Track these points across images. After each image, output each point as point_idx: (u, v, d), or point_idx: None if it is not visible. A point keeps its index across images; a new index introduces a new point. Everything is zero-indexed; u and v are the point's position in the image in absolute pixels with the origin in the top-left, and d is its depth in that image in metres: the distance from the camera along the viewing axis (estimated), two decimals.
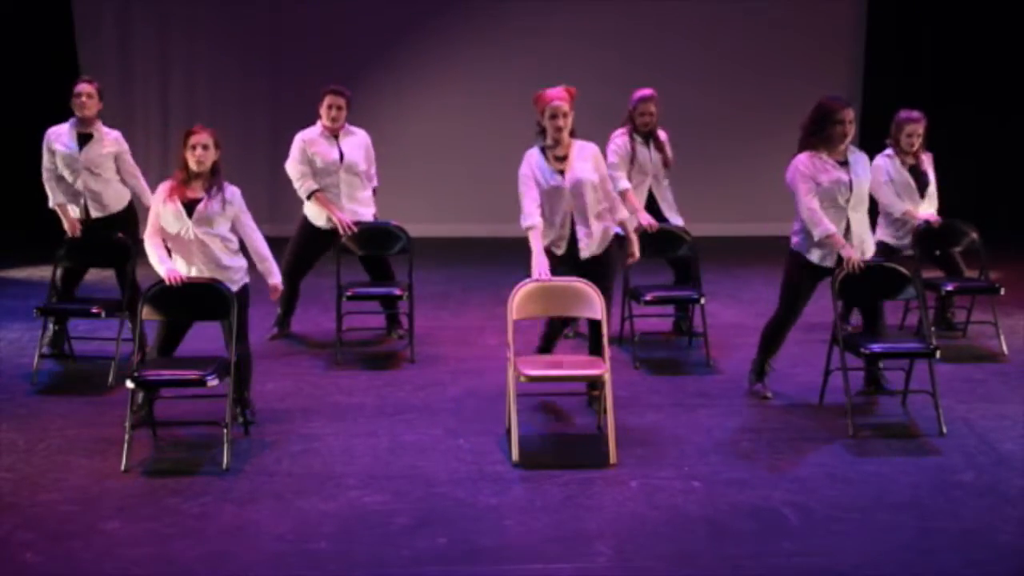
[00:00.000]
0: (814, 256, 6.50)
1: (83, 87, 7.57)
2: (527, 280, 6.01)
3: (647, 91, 7.93)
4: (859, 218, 6.47)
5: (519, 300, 5.95)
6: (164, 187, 6.16)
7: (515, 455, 5.73)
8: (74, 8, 12.02)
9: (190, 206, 6.08)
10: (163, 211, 6.10)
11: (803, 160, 6.44)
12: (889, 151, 7.78)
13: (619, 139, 7.86)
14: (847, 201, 6.40)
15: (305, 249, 7.97)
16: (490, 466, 5.73)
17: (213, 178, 6.13)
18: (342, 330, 7.67)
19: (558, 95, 6.31)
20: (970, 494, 5.42)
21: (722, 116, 12.45)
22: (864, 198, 6.49)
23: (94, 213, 7.65)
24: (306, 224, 7.97)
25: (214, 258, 6.13)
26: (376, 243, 7.85)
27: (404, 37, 12.39)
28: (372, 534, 4.96)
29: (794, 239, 6.61)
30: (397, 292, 7.71)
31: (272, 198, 11.63)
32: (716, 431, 6.25)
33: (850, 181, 6.38)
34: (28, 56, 11.70)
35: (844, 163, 6.43)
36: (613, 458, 5.73)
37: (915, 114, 7.77)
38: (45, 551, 4.80)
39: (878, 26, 12.40)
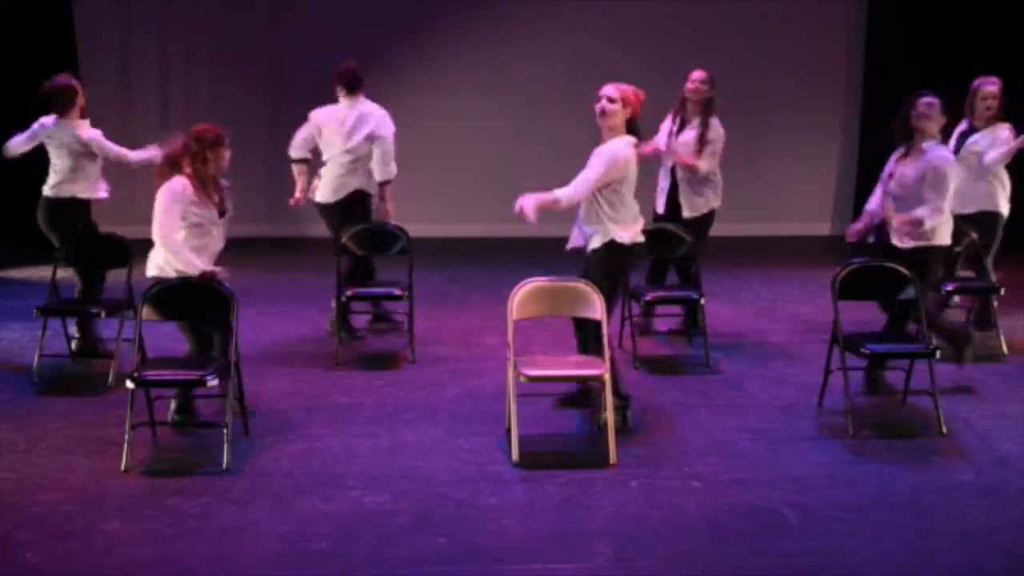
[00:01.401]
0: None
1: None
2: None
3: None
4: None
5: (519, 300, 5.95)
6: (185, 185, 6.10)
7: (515, 455, 5.73)
8: (74, 8, 12.02)
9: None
10: (193, 209, 6.12)
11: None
12: (964, 124, 7.90)
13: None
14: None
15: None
16: (490, 466, 5.73)
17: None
18: (342, 330, 7.66)
19: (607, 86, 6.25)
20: (970, 494, 5.42)
21: (721, 116, 12.43)
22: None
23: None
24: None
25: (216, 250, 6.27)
26: (376, 243, 7.85)
27: (404, 38, 12.39)
28: (372, 534, 4.96)
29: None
30: (397, 292, 7.70)
31: (271, 199, 11.62)
32: (716, 431, 6.25)
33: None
34: (28, 56, 11.69)
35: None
36: (613, 458, 5.73)
37: (991, 79, 7.89)
38: (45, 551, 4.80)
39: (878, 26, 12.40)
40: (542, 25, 12.45)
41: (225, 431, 5.75)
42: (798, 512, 5.18)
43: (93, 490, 5.42)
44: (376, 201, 8.01)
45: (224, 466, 5.65)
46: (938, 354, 6.22)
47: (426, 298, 8.95)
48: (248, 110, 12.29)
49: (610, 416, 5.78)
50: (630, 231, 6.16)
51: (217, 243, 6.26)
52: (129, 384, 5.72)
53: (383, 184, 7.92)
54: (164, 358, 6.23)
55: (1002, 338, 7.78)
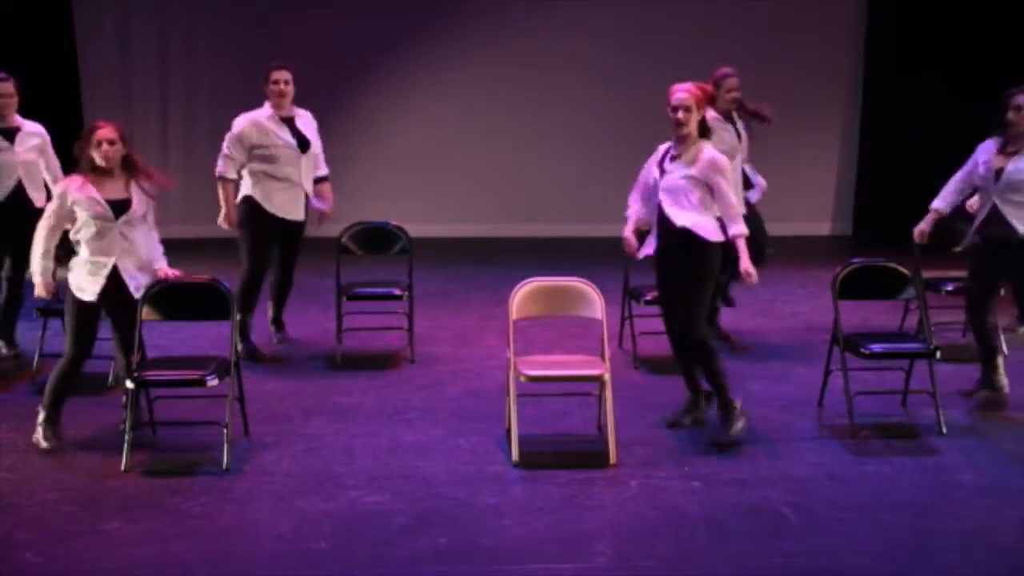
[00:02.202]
0: None
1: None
2: None
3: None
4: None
5: (519, 300, 5.95)
6: (74, 182, 5.83)
7: (515, 455, 5.73)
8: (74, 8, 12.02)
9: (115, 205, 5.82)
10: (79, 202, 5.80)
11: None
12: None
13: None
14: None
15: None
16: (490, 466, 5.73)
17: (131, 174, 5.89)
18: (342, 330, 7.67)
19: (683, 87, 6.14)
20: (970, 494, 5.42)
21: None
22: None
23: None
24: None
25: (139, 253, 5.94)
26: (376, 243, 7.85)
27: (404, 38, 12.39)
28: (372, 534, 4.96)
29: None
30: (397, 292, 7.70)
31: None
32: (716, 431, 6.24)
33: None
34: (28, 56, 11.69)
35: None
36: (613, 458, 5.73)
37: None
38: (45, 551, 4.80)
39: (878, 27, 12.40)
40: (543, 25, 12.44)
41: (225, 431, 5.75)
42: (798, 512, 5.18)
43: (93, 490, 5.42)
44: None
45: (224, 466, 5.65)
46: (938, 354, 6.23)
47: (426, 298, 8.95)
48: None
49: (610, 416, 5.78)
50: None
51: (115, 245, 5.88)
52: (129, 384, 5.73)
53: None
54: (164, 358, 6.23)
55: (1002, 338, 7.75)
